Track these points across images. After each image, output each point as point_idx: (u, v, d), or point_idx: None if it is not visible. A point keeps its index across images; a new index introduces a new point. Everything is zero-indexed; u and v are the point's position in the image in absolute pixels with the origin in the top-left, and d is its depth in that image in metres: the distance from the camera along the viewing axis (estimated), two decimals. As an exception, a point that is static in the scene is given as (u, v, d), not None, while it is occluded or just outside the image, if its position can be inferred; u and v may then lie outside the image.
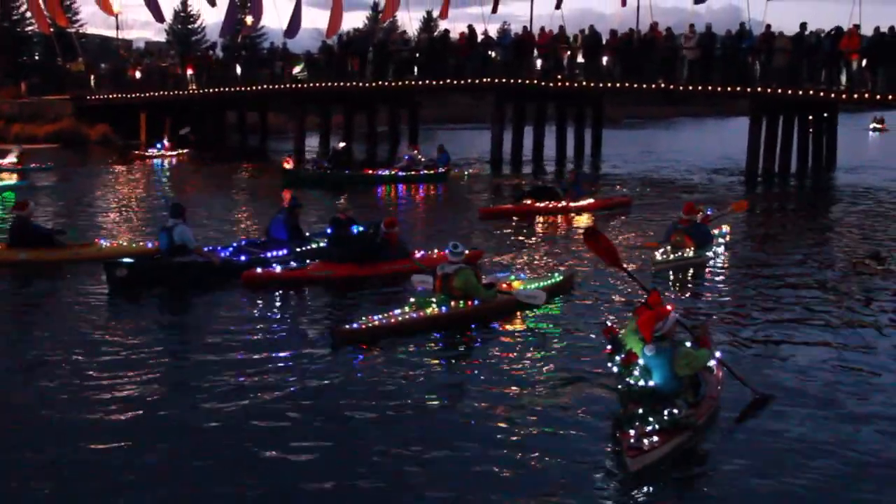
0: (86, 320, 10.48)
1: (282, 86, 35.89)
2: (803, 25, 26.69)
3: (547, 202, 19.62)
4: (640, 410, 6.86)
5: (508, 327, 10.46)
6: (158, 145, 34.14)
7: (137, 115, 40.53)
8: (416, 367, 8.88)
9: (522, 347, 9.60)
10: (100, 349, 9.31)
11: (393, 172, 25.83)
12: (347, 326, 9.79)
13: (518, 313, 10.82)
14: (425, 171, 25.85)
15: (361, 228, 13.28)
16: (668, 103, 63.60)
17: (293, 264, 12.78)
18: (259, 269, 12.41)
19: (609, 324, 8.05)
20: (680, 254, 13.82)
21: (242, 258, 13.08)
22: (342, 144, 28.38)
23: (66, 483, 6.39)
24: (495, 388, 8.27)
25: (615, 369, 7.43)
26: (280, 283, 12.23)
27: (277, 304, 11.62)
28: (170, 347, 9.65)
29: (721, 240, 15.31)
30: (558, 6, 35.49)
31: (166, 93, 39.20)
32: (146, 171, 30.24)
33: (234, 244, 13.89)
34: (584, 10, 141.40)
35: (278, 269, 12.49)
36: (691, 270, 13.69)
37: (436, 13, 53.12)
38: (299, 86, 35.44)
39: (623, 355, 7.36)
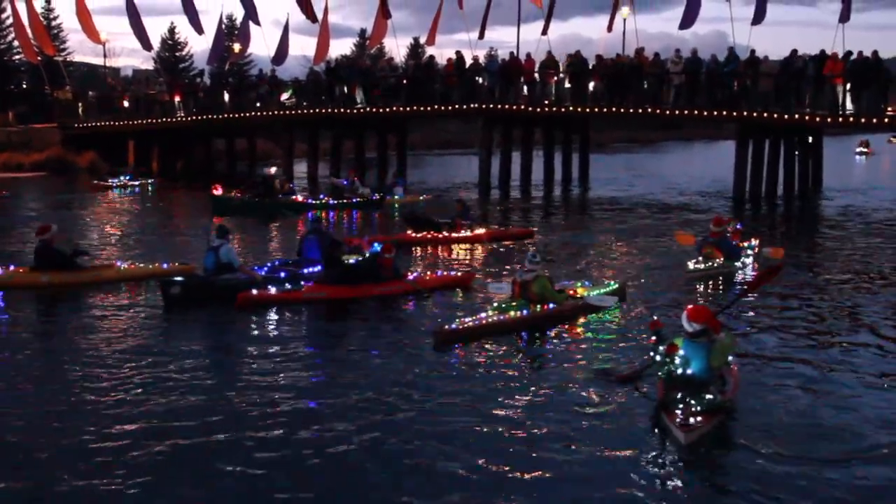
0: (142, 335, 11.08)
1: (270, 112, 35.93)
2: (794, 52, 26.92)
3: (425, 233, 18.93)
4: (681, 395, 7.88)
5: (575, 329, 11.54)
6: (125, 176, 33.77)
7: (125, 142, 40.47)
8: (502, 363, 9.91)
9: (585, 346, 10.70)
10: (157, 363, 9.79)
11: (325, 200, 25.68)
12: (447, 328, 10.72)
13: (582, 317, 11.90)
14: (357, 199, 25.63)
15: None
16: (656, 127, 64.00)
17: (288, 286, 13.11)
18: (255, 291, 12.66)
19: (655, 318, 9.17)
20: (710, 264, 15.00)
21: (282, 275, 13.67)
22: (273, 170, 28.26)
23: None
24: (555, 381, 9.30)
25: (658, 358, 8.28)
26: (275, 305, 12.50)
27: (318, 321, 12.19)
28: (218, 360, 10.23)
29: (749, 252, 16.35)
30: (545, 32, 35.78)
31: (154, 120, 39.21)
32: (109, 199, 29.65)
33: (269, 264, 14.52)
34: (570, 36, 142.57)
35: (273, 290, 12.76)
36: (721, 279, 14.84)
37: (423, 40, 53.56)
38: (287, 112, 35.49)
39: (666, 346, 8.22)
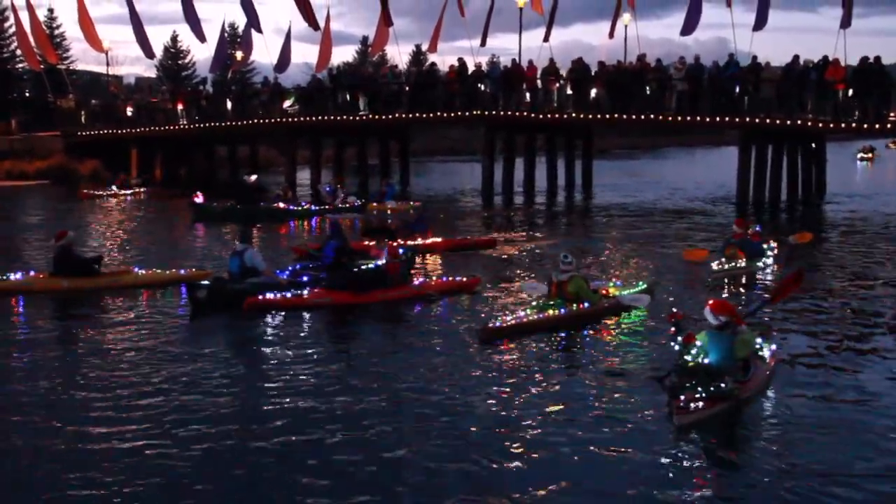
0: (163, 338, 11.28)
1: (272, 120, 35.96)
2: (796, 57, 26.89)
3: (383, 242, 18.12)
4: (693, 382, 8.22)
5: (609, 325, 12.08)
6: (114, 186, 33.22)
7: (128, 150, 40.48)
8: (532, 361, 10.35)
9: (617, 344, 11.18)
10: (177, 365, 10.05)
11: (307, 207, 25.66)
12: (491, 325, 11.26)
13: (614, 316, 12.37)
14: (342, 205, 25.64)
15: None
16: (659, 133, 63.98)
17: (296, 291, 13.25)
18: (260, 297, 12.80)
19: (674, 310, 9.64)
20: (733, 264, 15.55)
21: (304, 278, 13.81)
22: (254, 177, 28.19)
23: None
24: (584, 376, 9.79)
25: (676, 347, 8.77)
26: (281, 309, 12.68)
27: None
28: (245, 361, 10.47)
29: (770, 252, 16.81)
30: (546, 38, 35.78)
31: (157, 128, 39.23)
32: (98, 208, 29.28)
33: (290, 268, 14.64)
34: (572, 42, 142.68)
35: (278, 295, 12.92)
36: (744, 279, 15.38)
37: (425, 47, 53.57)
38: (290, 120, 35.52)
39: (684, 336, 8.72)
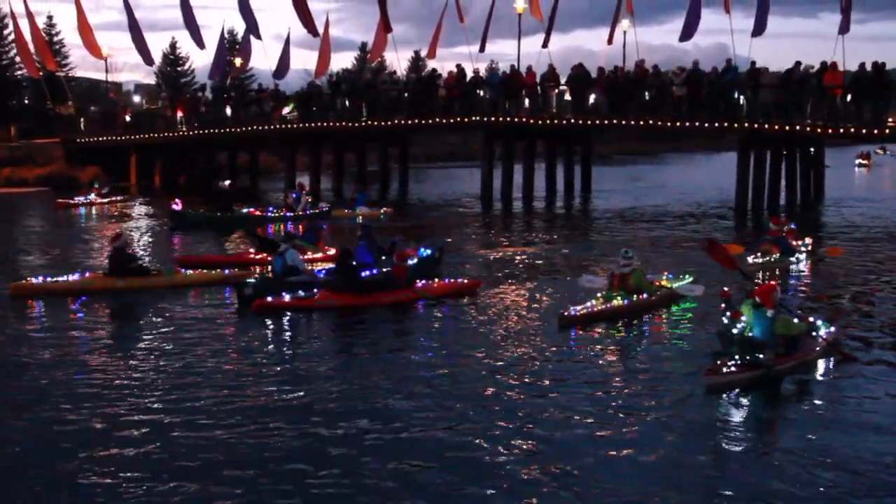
0: (214, 333, 12.22)
1: (271, 126, 36.00)
2: (797, 63, 26.94)
3: (266, 254, 17.49)
4: (735, 351, 9.45)
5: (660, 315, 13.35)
6: (90, 195, 31.96)
7: (128, 157, 40.52)
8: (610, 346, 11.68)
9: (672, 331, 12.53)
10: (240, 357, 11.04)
11: (282, 212, 25.72)
12: (566, 313, 12.36)
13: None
14: (311, 211, 25.77)
15: (429, 251, 15.62)
16: (657, 139, 63.96)
17: (301, 293, 13.75)
18: (269, 298, 13.49)
19: (725, 288, 10.65)
20: (768, 259, 17.03)
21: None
22: (227, 183, 28.19)
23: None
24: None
25: (725, 321, 9.92)
26: (289, 311, 13.37)
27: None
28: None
29: (804, 248, 18.20)
30: (545, 44, 35.87)
31: (156, 134, 39.27)
32: (73, 218, 28.89)
33: (326, 268, 15.33)
34: (571, 48, 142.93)
35: (287, 297, 13.55)
36: (777, 272, 16.46)
37: (424, 53, 53.69)
38: (289, 126, 35.55)
39: (731, 312, 9.88)
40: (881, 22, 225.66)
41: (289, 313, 13.38)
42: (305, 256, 16.89)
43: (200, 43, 38.80)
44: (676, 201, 32.59)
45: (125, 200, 32.94)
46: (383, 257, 15.29)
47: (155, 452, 7.81)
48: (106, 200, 32.05)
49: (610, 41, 36.51)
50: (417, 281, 14.47)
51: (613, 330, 12.33)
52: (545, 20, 35.98)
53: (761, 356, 9.37)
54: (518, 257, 19.06)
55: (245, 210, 25.45)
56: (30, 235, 24.09)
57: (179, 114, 38.46)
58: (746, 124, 27.44)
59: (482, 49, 36.69)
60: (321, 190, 35.16)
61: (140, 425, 8.49)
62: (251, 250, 18.49)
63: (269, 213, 25.63)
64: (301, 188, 27.93)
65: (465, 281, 15.12)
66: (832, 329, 10.85)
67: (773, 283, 10.73)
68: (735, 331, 9.63)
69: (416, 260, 15.24)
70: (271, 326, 12.85)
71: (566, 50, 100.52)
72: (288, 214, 25.60)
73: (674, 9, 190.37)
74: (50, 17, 69.19)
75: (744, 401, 9.22)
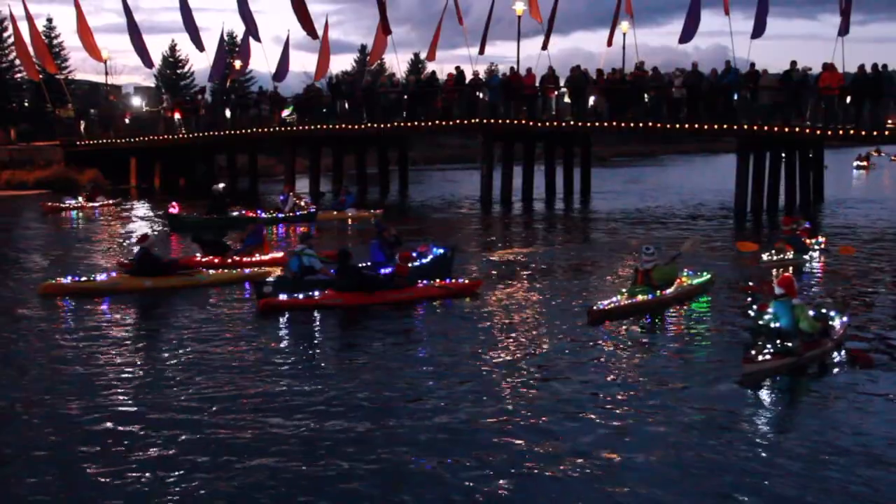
0: (237, 330, 12.73)
1: (271, 129, 36.00)
2: (793, 63, 26.95)
3: (212, 257, 17.81)
4: (764, 342, 10.17)
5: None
6: (75, 199, 30.97)
7: (127, 159, 40.50)
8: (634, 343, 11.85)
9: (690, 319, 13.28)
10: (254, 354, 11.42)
11: (273, 214, 25.85)
12: (596, 308, 12.82)
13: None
14: (300, 213, 25.96)
15: (442, 251, 15.76)
16: (657, 141, 63.96)
17: (315, 294, 14.09)
18: (283, 297, 13.86)
19: (750, 283, 11.75)
20: (782, 256, 17.69)
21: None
22: (221, 185, 28.20)
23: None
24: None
25: (752, 313, 10.67)
26: (295, 310, 13.67)
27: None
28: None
29: (817, 247, 19.01)
30: (545, 46, 35.87)
31: (156, 137, 39.26)
32: (62, 221, 28.28)
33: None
34: (571, 50, 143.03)
35: (284, 297, 13.86)
36: (791, 270, 16.68)
37: (423, 55, 53.74)
38: (288, 129, 35.56)
39: (758, 305, 10.61)
40: (881, 24, 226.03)
41: (288, 313, 13.60)
42: (254, 258, 17.92)
43: (200, 45, 38.78)
44: (676, 203, 32.60)
45: (118, 203, 32.40)
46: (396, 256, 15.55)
47: (169, 447, 8.09)
48: (98, 204, 31.25)
49: (609, 43, 36.50)
50: (419, 281, 14.68)
51: (638, 326, 12.74)
52: (545, 22, 35.96)
53: (788, 344, 10.10)
54: (518, 258, 19.15)
55: (237, 213, 25.47)
56: (27, 238, 23.98)
57: (178, 115, 38.42)
58: (746, 126, 27.42)
59: (482, 51, 36.67)
60: (321, 192, 35.16)
61: (153, 422, 8.72)
62: (197, 255, 18.18)
63: (261, 215, 25.50)
64: (288, 190, 27.98)
65: (467, 281, 15.28)
66: (845, 319, 11.44)
67: (788, 274, 11.55)
68: (762, 322, 10.28)
69: (428, 259, 15.56)
70: (285, 324, 13.22)
71: (566, 52, 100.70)
72: (279, 216, 25.74)
73: (673, 11, 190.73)
74: (49, 20, 69.35)
75: (769, 397, 9.69)
